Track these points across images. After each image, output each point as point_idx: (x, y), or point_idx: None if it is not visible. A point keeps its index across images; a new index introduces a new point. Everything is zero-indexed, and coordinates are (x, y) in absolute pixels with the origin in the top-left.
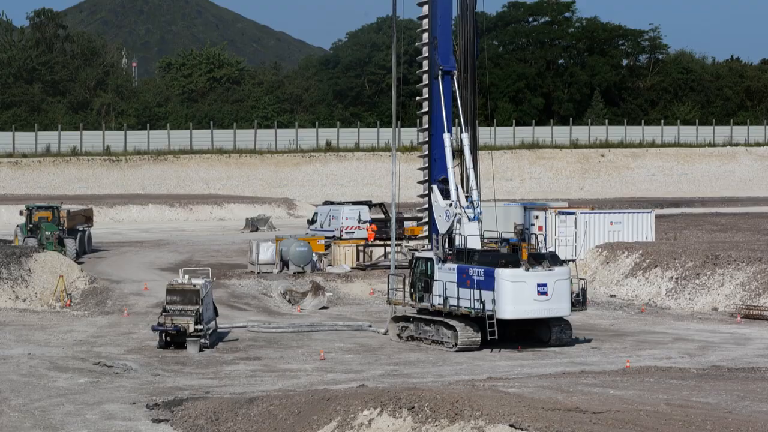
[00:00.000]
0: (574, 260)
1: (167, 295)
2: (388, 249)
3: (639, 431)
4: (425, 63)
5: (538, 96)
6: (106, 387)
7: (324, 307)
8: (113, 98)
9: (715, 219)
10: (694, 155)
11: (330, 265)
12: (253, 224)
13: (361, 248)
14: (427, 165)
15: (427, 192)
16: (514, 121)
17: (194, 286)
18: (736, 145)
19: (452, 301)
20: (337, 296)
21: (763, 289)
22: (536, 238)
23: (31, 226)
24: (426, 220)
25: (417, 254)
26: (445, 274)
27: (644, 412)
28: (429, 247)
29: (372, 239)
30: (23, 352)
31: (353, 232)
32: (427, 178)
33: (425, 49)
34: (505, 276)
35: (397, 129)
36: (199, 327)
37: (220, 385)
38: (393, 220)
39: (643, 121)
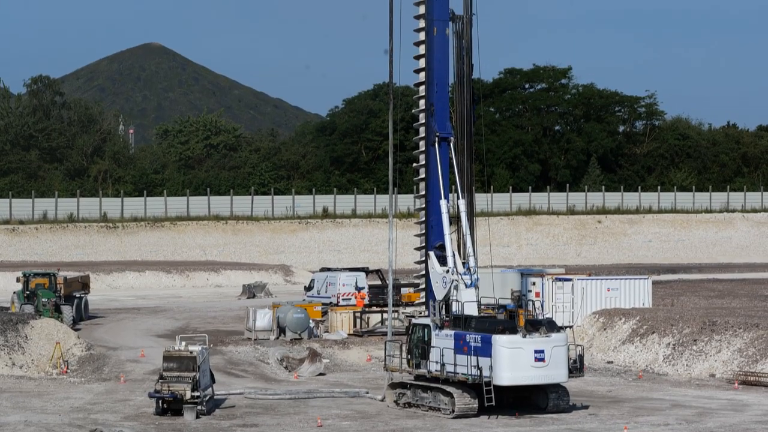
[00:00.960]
0: (571, 326)
1: (164, 361)
2: (385, 315)
3: None
4: (422, 130)
5: (535, 162)
6: None
7: (321, 374)
8: (110, 165)
9: (712, 285)
10: (691, 221)
11: (327, 332)
12: (250, 291)
13: (357, 315)
14: (424, 231)
15: (424, 258)
16: (510, 187)
17: (191, 352)
18: (733, 211)
19: (449, 368)
20: (334, 363)
21: (760, 356)
22: (533, 304)
23: (27, 292)
24: (423, 286)
25: (414, 321)
26: (443, 341)
27: None
28: (426, 313)
29: (361, 306)
30: (20, 419)
31: (350, 299)
32: (424, 244)
33: (422, 115)
34: (502, 342)
35: (393, 195)
36: (196, 394)
37: None
38: (390, 287)
39: (639, 187)
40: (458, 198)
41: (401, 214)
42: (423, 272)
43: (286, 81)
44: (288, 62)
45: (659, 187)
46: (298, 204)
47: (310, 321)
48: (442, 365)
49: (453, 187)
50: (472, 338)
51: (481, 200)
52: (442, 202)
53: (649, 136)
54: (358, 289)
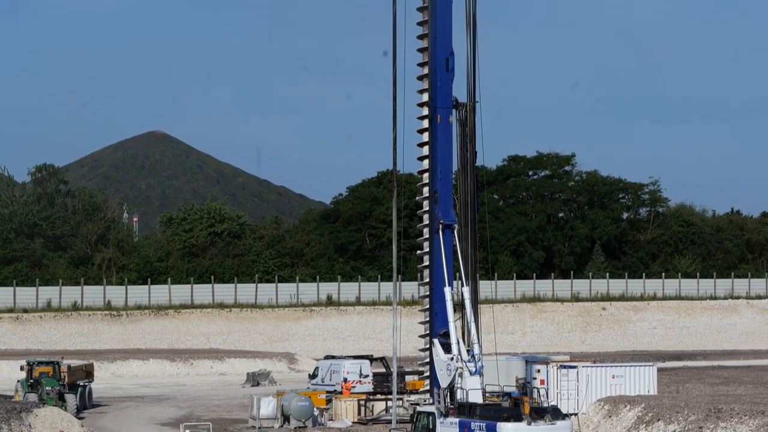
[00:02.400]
0: (576, 414)
1: None
2: (390, 403)
3: None
4: (426, 217)
5: (539, 249)
6: None
7: None
8: (114, 253)
9: (717, 372)
10: (696, 308)
11: (331, 420)
12: (254, 379)
13: (362, 402)
14: (428, 319)
15: (428, 346)
16: (515, 274)
17: None
18: (738, 298)
19: None
20: None
21: None
22: (538, 391)
23: (31, 381)
24: (427, 374)
25: (418, 408)
26: (447, 429)
27: None
28: (430, 401)
29: (347, 395)
30: None
31: (355, 387)
32: (428, 331)
33: (426, 203)
34: (507, 430)
35: (397, 283)
36: None
37: None
38: (394, 375)
39: (644, 274)
40: (462, 285)
41: (405, 301)
42: (427, 360)
43: (290, 169)
44: (292, 150)
45: (663, 274)
46: (302, 291)
47: (315, 409)
48: None
49: (457, 274)
50: (477, 426)
51: (486, 287)
52: (447, 289)
53: (653, 223)
54: (346, 379)
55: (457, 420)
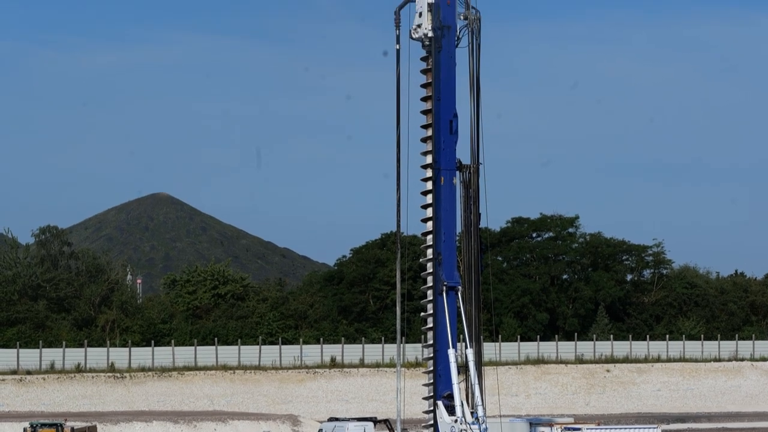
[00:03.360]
0: None
1: None
2: None
3: None
4: (429, 279)
5: (543, 311)
6: None
7: None
8: (118, 315)
9: None
10: (700, 370)
11: None
12: None
13: None
14: (431, 381)
15: (432, 408)
16: (518, 336)
17: None
18: (742, 359)
19: None
20: None
21: None
22: None
23: None
24: None
25: None
26: None
27: None
28: None
29: None
30: None
31: None
32: (432, 393)
33: (429, 264)
34: None
35: (401, 345)
36: None
37: None
38: None
39: (648, 336)
40: (466, 347)
41: (409, 363)
42: (431, 422)
43: (294, 231)
44: (295, 212)
45: (667, 336)
46: (306, 353)
47: None
48: None
49: (461, 336)
50: None
51: (489, 349)
52: (450, 352)
53: (657, 284)
54: None
55: None
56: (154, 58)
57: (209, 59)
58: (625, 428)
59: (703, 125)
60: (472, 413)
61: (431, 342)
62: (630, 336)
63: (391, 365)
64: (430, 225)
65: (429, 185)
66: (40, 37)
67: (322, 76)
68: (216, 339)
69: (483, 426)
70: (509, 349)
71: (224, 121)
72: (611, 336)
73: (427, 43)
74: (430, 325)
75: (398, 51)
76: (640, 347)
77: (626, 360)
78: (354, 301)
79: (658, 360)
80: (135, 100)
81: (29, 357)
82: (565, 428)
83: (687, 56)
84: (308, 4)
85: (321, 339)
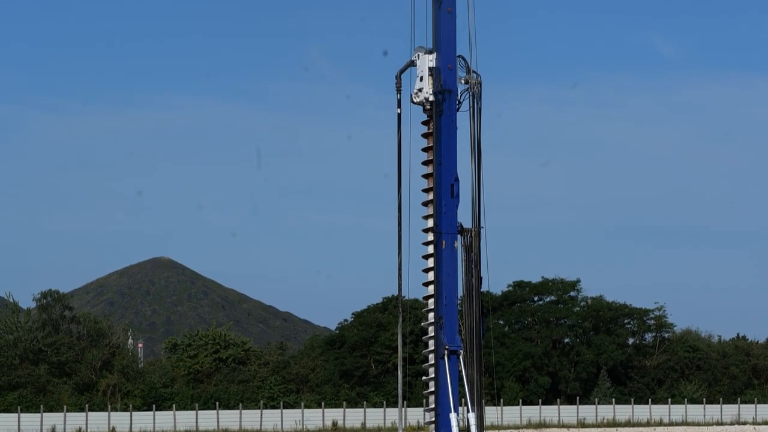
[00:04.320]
0: None
1: None
2: None
3: None
4: (431, 343)
5: (545, 375)
6: None
7: None
8: (119, 379)
9: None
10: None
11: None
12: None
13: None
14: None
15: None
16: (520, 400)
17: None
18: (744, 423)
19: None
20: None
21: None
22: None
23: None
24: None
25: None
26: None
27: None
28: None
29: None
30: None
31: None
32: None
33: (431, 328)
34: None
35: (403, 409)
36: None
37: None
38: None
39: (650, 399)
40: (468, 411)
41: (411, 427)
42: None
43: (295, 295)
44: (297, 276)
45: (670, 400)
46: (307, 418)
47: None
48: None
49: (463, 400)
50: None
51: (491, 413)
52: (452, 416)
53: (659, 348)
54: None
55: None
56: (155, 121)
57: (210, 122)
58: None
59: (704, 189)
60: None
61: (433, 406)
62: (632, 400)
63: (393, 429)
64: (431, 289)
65: (430, 249)
66: (40, 100)
67: (322, 139)
68: (217, 403)
69: None
70: (511, 413)
71: (226, 185)
72: (613, 400)
73: (428, 107)
74: (432, 389)
75: (399, 115)
76: (642, 411)
77: (628, 424)
78: (355, 365)
79: (661, 424)
80: (135, 163)
81: (30, 422)
82: None
83: (688, 119)
84: (308, 68)
85: (322, 403)
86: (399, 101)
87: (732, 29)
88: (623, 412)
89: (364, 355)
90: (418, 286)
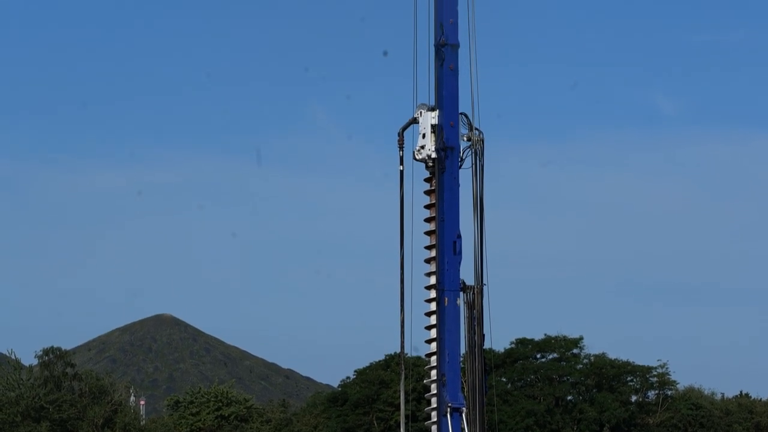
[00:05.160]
0: None
1: None
2: None
3: None
4: (434, 400)
5: None
6: None
7: None
8: None
9: None
10: None
11: None
12: None
13: None
14: None
15: None
16: None
17: None
18: None
19: None
20: None
21: None
22: None
23: None
24: None
25: None
26: None
27: None
28: None
29: None
30: None
31: None
32: None
33: (433, 386)
34: None
35: None
36: None
37: None
38: None
39: None
40: None
41: None
42: None
43: (297, 352)
44: (299, 334)
45: None
46: None
47: None
48: None
49: None
50: None
51: None
52: None
53: (662, 405)
54: None
55: None
56: (156, 178)
57: (212, 179)
58: None
59: (707, 246)
60: None
61: None
62: None
63: None
64: (434, 346)
65: (433, 306)
66: (41, 156)
67: (324, 195)
68: None
69: None
70: None
71: (228, 243)
72: None
73: (430, 164)
74: None
75: (402, 172)
76: None
77: None
78: (358, 422)
79: None
80: (137, 220)
81: None
82: None
83: (689, 176)
84: (309, 124)
85: None
86: (402, 158)
87: (732, 85)
88: None
89: (367, 413)
90: (420, 343)
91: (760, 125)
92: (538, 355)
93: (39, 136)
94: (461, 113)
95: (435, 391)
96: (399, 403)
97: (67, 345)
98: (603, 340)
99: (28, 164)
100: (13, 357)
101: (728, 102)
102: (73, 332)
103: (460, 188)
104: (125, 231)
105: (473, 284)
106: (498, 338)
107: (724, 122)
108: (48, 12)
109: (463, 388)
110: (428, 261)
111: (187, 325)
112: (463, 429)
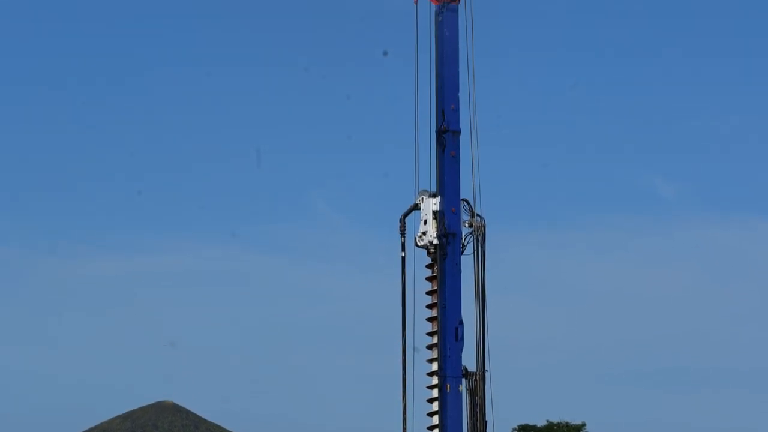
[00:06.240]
0: None
1: None
2: None
3: None
4: None
5: None
6: None
7: None
8: None
9: None
10: None
11: None
12: None
13: None
14: None
15: None
16: None
17: None
18: None
19: None
20: None
21: None
22: None
23: None
24: None
25: None
26: None
27: None
28: None
29: None
30: None
31: None
32: None
33: None
34: None
35: None
36: None
37: None
38: None
39: None
40: None
41: None
42: None
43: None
44: (302, 418)
45: None
46: None
47: None
48: None
49: None
50: None
51: None
52: None
53: None
54: None
55: None
56: (156, 266)
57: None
58: None
59: (710, 330)
60: None
61: None
62: None
63: None
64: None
65: (435, 393)
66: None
67: (324, 283)
68: None
69: None
70: None
71: (228, 329)
72: None
73: (432, 250)
74: None
75: (403, 258)
76: None
77: None
78: None
79: None
80: (137, 308)
81: None
82: None
83: (688, 261)
84: (310, 214)
85: None
86: (403, 244)
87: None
88: None
89: None
90: (422, 430)
91: (760, 211)
92: None
93: (35, 222)
94: (463, 199)
95: None
96: None
97: None
98: (606, 426)
99: (26, 251)
100: None
101: (727, 186)
102: (73, 419)
103: (462, 274)
104: (125, 318)
105: (475, 370)
106: (500, 425)
107: (723, 207)
108: None
109: None
110: (430, 347)
111: (188, 412)
112: None
